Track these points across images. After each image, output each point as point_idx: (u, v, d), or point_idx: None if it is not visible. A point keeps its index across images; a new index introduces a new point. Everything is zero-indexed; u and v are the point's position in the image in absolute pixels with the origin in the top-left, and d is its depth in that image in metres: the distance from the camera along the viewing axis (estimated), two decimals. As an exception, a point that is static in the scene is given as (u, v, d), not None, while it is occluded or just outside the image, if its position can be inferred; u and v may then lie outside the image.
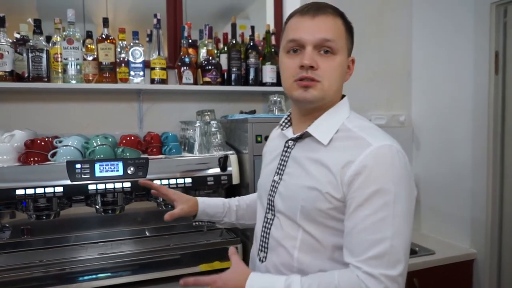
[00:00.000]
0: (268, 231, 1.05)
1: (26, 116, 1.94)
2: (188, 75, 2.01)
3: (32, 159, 1.59)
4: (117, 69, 1.93)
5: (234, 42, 2.15)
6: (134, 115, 2.10)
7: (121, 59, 1.93)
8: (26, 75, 1.82)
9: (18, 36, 1.88)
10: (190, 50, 2.09)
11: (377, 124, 2.30)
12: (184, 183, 1.70)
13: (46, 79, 1.82)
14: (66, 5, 1.89)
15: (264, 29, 2.31)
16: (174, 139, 1.86)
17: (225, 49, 2.17)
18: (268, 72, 2.19)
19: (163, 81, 1.99)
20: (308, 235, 0.96)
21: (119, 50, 1.95)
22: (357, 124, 0.99)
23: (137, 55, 1.92)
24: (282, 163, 1.05)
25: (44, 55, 1.81)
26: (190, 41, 2.11)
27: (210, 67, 2.05)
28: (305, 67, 0.94)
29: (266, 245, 1.05)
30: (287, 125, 1.10)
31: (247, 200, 1.33)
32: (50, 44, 1.86)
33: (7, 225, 1.65)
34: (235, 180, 1.78)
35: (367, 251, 0.86)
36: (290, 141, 1.05)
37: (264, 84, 2.20)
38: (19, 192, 1.51)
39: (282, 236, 1.00)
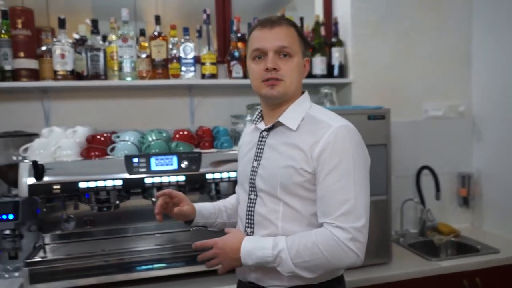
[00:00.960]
0: (252, 209, 1.21)
1: (86, 112, 2.03)
2: (237, 69, 2.02)
3: (93, 153, 1.67)
4: (169, 65, 1.98)
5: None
6: (185, 110, 2.15)
7: (173, 55, 1.97)
8: (85, 73, 1.91)
9: (77, 36, 1.97)
10: (239, 44, 2.09)
11: (433, 115, 2.20)
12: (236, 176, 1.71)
13: (103, 77, 1.90)
14: (118, 5, 1.95)
15: (312, 20, 2.27)
16: (225, 133, 1.88)
17: (275, 42, 2.15)
18: (318, 64, 2.15)
19: (213, 76, 2.01)
20: (288, 206, 1.15)
21: (170, 46, 1.99)
22: (318, 111, 1.20)
23: (188, 51, 1.95)
24: (259, 151, 1.23)
25: (101, 54, 1.89)
26: (239, 35, 2.11)
27: (259, 61, 2.04)
28: (269, 70, 1.14)
29: (252, 222, 1.21)
30: (259, 120, 1.28)
31: (231, 201, 1.46)
32: (106, 43, 1.94)
33: (71, 216, 1.75)
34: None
35: (336, 210, 1.07)
36: (264, 132, 1.24)
37: (314, 76, 2.16)
38: (82, 185, 1.59)
39: (266, 211, 1.18)
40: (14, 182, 1.74)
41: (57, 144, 1.66)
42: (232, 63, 2.02)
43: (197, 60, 2.00)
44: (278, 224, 1.16)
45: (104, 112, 2.06)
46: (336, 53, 2.19)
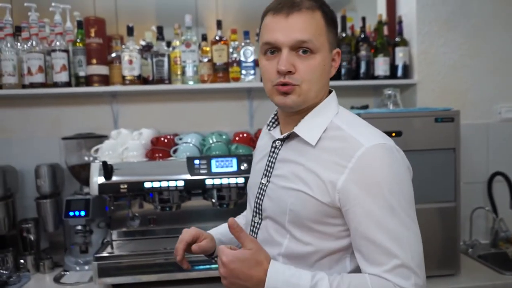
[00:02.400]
0: (255, 235, 1.00)
1: (151, 115, 2.12)
2: (297, 72, 2.00)
3: (157, 155, 1.74)
4: (230, 69, 2.01)
5: (344, 35, 2.08)
6: (245, 113, 2.17)
7: (233, 59, 2.00)
8: (151, 78, 2.00)
9: (143, 43, 2.07)
10: (299, 46, 2.07)
11: (507, 117, 2.04)
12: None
13: (167, 81, 1.97)
14: (181, 12, 2.02)
15: (373, 20, 2.20)
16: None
17: (334, 43, 2.11)
18: (381, 65, 2.08)
19: (273, 79, 2.01)
20: (295, 241, 0.91)
21: (231, 50, 2.03)
22: (347, 120, 0.93)
23: (248, 54, 1.97)
24: (270, 164, 0.99)
25: (166, 59, 1.97)
26: (298, 37, 2.10)
27: (319, 63, 2.01)
28: (281, 73, 0.88)
29: None
30: (274, 125, 1.04)
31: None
32: (170, 49, 2.01)
33: (137, 214, 1.83)
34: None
35: (386, 261, 0.82)
36: (277, 141, 0.99)
37: (376, 78, 2.09)
38: (147, 185, 1.66)
39: (267, 241, 0.96)
40: (85, 181, 1.86)
41: (124, 146, 1.75)
42: (291, 65, 2.01)
43: (256, 63, 2.02)
44: (279, 261, 0.92)
45: (167, 115, 2.13)
46: (400, 52, 2.10)
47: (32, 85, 1.88)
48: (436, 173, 1.66)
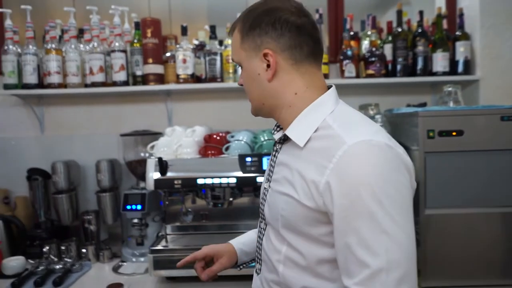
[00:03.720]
0: (261, 241, 1.00)
1: (203, 113, 2.17)
2: (350, 69, 1.96)
3: (209, 152, 1.77)
4: (281, 67, 2.00)
5: (399, 30, 2.01)
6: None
7: (285, 56, 1.99)
8: (204, 76, 2.04)
9: (196, 42, 2.11)
10: (352, 43, 2.03)
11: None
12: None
13: (219, 79, 2.00)
14: (232, 10, 2.03)
15: (430, 14, 2.10)
16: (337, 134, 1.83)
17: (390, 38, 2.04)
18: (439, 60, 1.98)
19: (325, 76, 1.98)
20: (292, 249, 0.89)
21: (282, 48, 2.01)
22: (340, 118, 0.87)
23: (300, 51, 1.95)
24: (271, 168, 0.99)
25: (218, 58, 2.00)
26: (352, 33, 2.05)
27: (373, 59, 1.95)
28: None
29: (260, 257, 1.01)
30: (278, 129, 1.01)
31: None
32: (222, 47, 2.04)
33: (190, 209, 1.88)
34: (403, 178, 1.66)
35: (358, 271, 0.75)
36: (277, 145, 0.99)
37: (434, 74, 1.99)
38: (200, 181, 1.69)
39: (269, 248, 0.95)
40: (141, 176, 1.94)
41: (178, 143, 1.79)
42: (344, 62, 1.97)
43: (308, 61, 1.99)
44: (279, 270, 0.91)
45: (219, 113, 2.17)
46: (460, 47, 1.99)
47: (94, 84, 1.98)
48: (501, 175, 1.56)
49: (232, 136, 1.84)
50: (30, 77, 1.97)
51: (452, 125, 1.55)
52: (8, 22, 1.96)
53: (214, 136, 1.81)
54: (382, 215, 0.75)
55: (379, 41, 2.04)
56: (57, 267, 1.82)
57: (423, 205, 1.56)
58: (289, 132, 0.92)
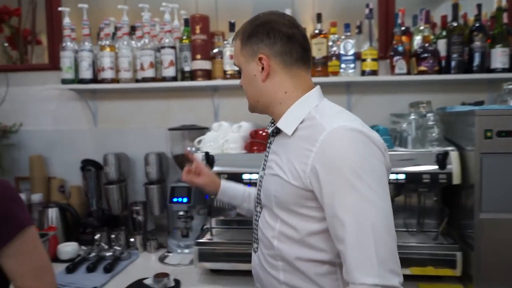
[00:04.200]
0: (257, 223, 1.14)
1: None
2: (401, 65, 1.90)
3: (255, 148, 1.78)
4: (328, 63, 1.97)
5: (455, 24, 1.92)
6: (343, 107, 2.11)
7: (332, 52, 1.96)
8: (250, 72, 2.04)
9: (243, 38, 2.12)
10: (404, 38, 1.96)
11: None
12: (397, 178, 1.62)
13: (266, 76, 2.00)
14: (278, 7, 2.01)
15: (489, 7, 1.98)
16: (385, 132, 1.78)
17: (444, 33, 1.95)
18: (498, 56, 1.87)
19: (373, 73, 1.93)
20: (285, 224, 1.02)
21: (330, 44, 1.98)
22: (322, 110, 1.01)
23: (348, 47, 1.92)
24: (266, 158, 1.14)
25: (265, 54, 1.99)
26: (403, 28, 1.98)
27: (426, 55, 1.88)
28: None
29: (257, 237, 1.14)
30: (272, 124, 1.14)
31: None
32: (270, 43, 2.04)
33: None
34: (456, 180, 1.59)
35: (344, 255, 0.88)
36: (271, 137, 1.13)
37: (493, 71, 1.89)
38: (245, 176, 1.71)
39: (265, 227, 1.08)
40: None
41: (225, 138, 1.82)
42: (395, 58, 1.91)
43: (357, 57, 1.95)
44: (274, 244, 1.04)
45: (264, 109, 2.17)
46: (522, 42, 1.87)
47: (144, 80, 2.04)
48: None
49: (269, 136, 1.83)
50: (86, 73, 2.07)
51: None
52: (66, 20, 2.06)
53: (260, 132, 1.81)
54: (362, 186, 0.87)
55: (432, 36, 1.96)
56: (107, 254, 1.91)
57: (478, 209, 1.49)
58: (279, 124, 1.06)
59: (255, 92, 1.09)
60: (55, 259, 1.90)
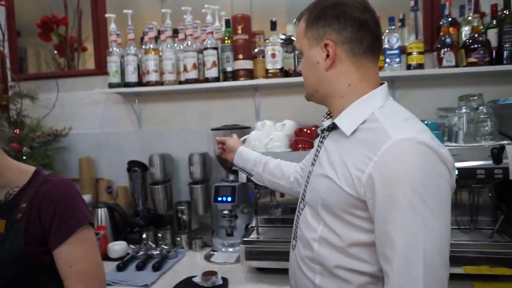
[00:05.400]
0: (298, 219, 1.08)
1: (290, 107, 2.17)
2: (449, 57, 1.83)
3: (300, 145, 1.77)
4: (372, 58, 1.93)
5: (507, 13, 1.83)
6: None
7: (376, 47, 1.92)
8: (292, 71, 2.04)
9: (283, 36, 2.12)
10: (451, 30, 1.90)
11: None
12: (450, 174, 1.56)
13: (308, 73, 1.99)
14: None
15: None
16: (435, 127, 1.72)
17: (494, 22, 1.87)
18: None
19: (420, 66, 1.88)
20: (328, 228, 0.95)
21: (373, 38, 1.94)
22: (388, 113, 0.91)
23: (393, 41, 1.87)
24: (316, 153, 1.06)
25: (307, 51, 1.98)
26: (450, 19, 1.92)
27: (476, 46, 1.80)
28: None
29: (296, 234, 1.08)
30: (328, 117, 1.08)
31: (282, 163, 1.41)
32: (310, 41, 2.02)
33: (279, 202, 1.89)
34: (513, 175, 1.52)
35: (396, 260, 0.81)
36: (325, 132, 1.05)
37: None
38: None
39: (305, 227, 1.02)
40: (230, 169, 1.98)
41: (269, 136, 1.82)
42: (442, 50, 1.84)
43: (402, 50, 1.90)
44: (314, 247, 0.97)
45: (306, 107, 2.14)
46: None
47: (187, 81, 2.08)
48: None
49: (322, 131, 1.82)
50: (131, 76, 2.13)
51: None
52: (112, 26, 2.13)
53: (305, 130, 1.80)
54: (422, 208, 0.79)
55: (481, 27, 1.88)
56: (155, 253, 1.95)
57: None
58: (338, 120, 0.97)
59: (315, 80, 1.00)
60: (105, 257, 1.96)
